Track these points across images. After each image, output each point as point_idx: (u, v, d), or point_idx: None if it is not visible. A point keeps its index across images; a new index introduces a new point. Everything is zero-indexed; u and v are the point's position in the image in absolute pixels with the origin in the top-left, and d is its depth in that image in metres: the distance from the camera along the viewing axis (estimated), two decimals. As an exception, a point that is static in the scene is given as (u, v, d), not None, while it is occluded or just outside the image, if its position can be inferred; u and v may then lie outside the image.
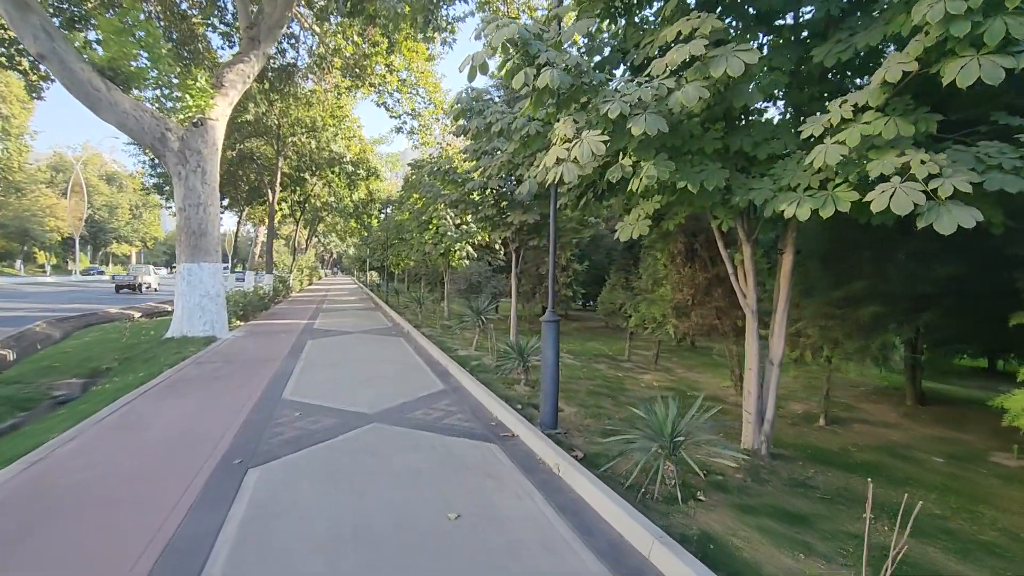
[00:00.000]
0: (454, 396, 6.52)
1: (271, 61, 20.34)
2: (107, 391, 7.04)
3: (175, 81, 10.74)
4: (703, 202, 4.34)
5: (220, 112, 11.97)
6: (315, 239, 50.54)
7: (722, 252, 5.00)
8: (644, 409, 4.14)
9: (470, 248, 17.20)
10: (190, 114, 11.28)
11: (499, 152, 10.08)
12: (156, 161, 22.94)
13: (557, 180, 3.86)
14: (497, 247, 18.51)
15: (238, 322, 13.93)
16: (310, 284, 40.10)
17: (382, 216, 31.93)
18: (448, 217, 16.66)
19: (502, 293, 14.50)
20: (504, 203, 10.73)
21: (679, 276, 8.20)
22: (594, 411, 6.28)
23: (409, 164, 18.57)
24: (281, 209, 30.78)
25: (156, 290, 31.36)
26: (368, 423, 5.18)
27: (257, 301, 16.63)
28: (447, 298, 18.46)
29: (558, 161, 3.84)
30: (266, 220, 36.17)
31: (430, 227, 17.06)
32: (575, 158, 3.69)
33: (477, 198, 11.09)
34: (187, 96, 11.12)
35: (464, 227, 17.05)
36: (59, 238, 61.82)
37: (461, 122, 9.01)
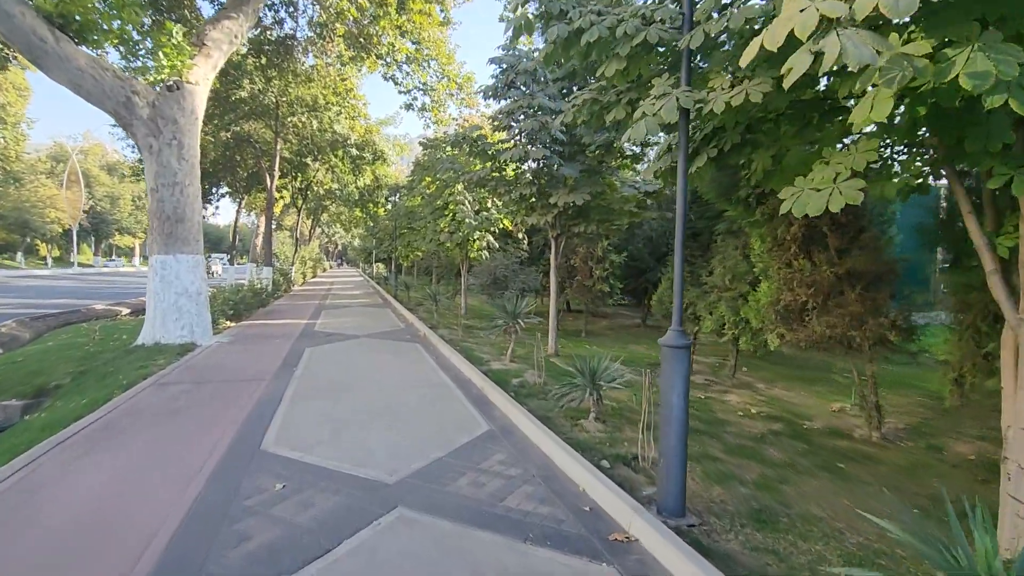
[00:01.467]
0: (507, 444, 4.60)
1: (267, 33, 18.38)
2: (31, 427, 5.19)
3: (137, 36, 8.78)
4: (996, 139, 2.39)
5: (201, 75, 10.02)
6: (319, 229, 48.68)
7: (974, 232, 3.00)
8: (914, 532, 2.18)
9: (491, 238, 15.27)
10: (163, 76, 9.35)
11: (540, 114, 8.12)
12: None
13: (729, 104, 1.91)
14: (520, 236, 16.54)
15: (227, 323, 12.08)
16: (314, 277, 38.31)
17: (389, 204, 29.98)
18: (467, 202, 14.71)
19: (530, 289, 12.53)
20: (544, 180, 8.75)
21: (789, 272, 6.22)
22: (710, 466, 4.36)
23: (422, 142, 16.58)
24: (282, 197, 28.89)
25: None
26: (390, 509, 3.27)
27: (252, 298, 14.79)
28: (465, 294, 16.54)
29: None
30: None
31: (446, 213, 15.12)
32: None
33: (512, 174, 9.12)
34: (160, 54, 9.17)
35: (484, 213, 15.10)
36: (60, 230, 60.48)
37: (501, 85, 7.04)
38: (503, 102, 8.55)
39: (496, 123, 8.57)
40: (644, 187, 8.08)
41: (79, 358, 8.47)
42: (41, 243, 62.71)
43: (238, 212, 31.63)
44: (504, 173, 9.31)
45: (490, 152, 8.91)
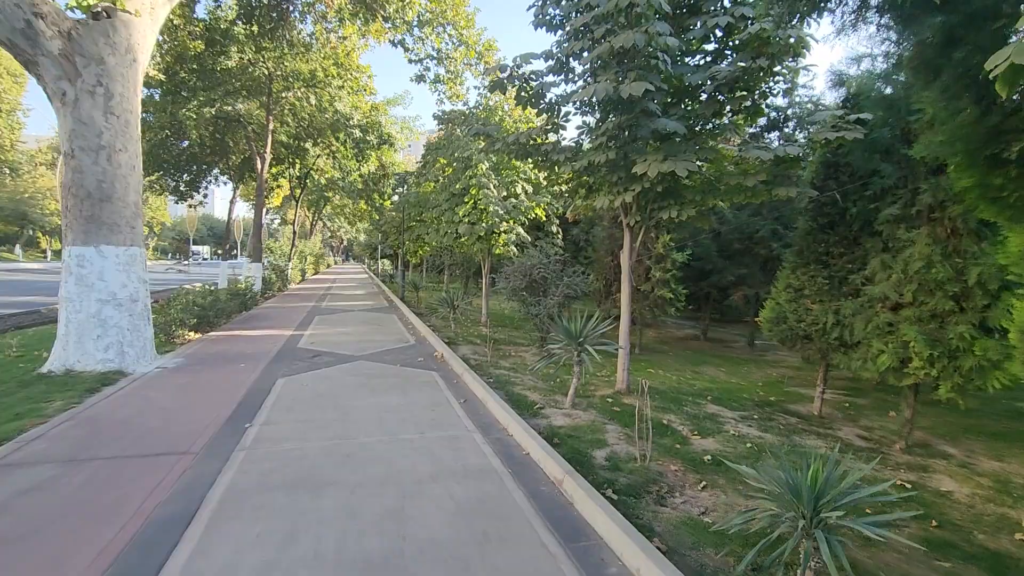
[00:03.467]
0: None
1: (258, -2, 15.77)
2: None
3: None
4: None
5: (144, 4, 7.34)
6: (320, 223, 46.09)
7: None
8: None
9: (521, 230, 12.54)
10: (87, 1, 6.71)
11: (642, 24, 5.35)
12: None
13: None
14: (555, 230, 13.79)
15: (189, 335, 9.44)
16: (315, 274, 35.73)
17: (396, 195, 27.27)
18: (492, 186, 11.98)
19: (576, 295, 9.81)
20: (626, 140, 6.00)
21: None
22: None
23: (437, 116, 13.84)
24: (279, 186, 26.28)
25: None
26: None
27: (229, 301, 12.16)
28: (486, 297, 13.82)
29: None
30: (266, 199, 31.79)
31: (465, 200, 12.40)
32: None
33: (589, 144, 6.43)
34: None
35: (513, 200, 12.36)
36: (60, 222, 58.37)
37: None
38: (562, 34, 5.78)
39: (563, 52, 5.79)
40: (784, 149, 5.33)
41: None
42: (42, 235, 60.96)
43: (232, 202, 29.04)
44: (561, 134, 6.58)
45: (545, 101, 6.16)
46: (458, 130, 13.19)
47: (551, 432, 4.86)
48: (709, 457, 4.49)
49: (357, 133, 19.98)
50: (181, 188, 22.27)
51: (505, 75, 5.81)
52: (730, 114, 6.16)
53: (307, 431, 4.62)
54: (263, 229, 36.66)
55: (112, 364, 6.54)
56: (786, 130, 10.46)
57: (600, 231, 13.04)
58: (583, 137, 6.77)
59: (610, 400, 6.37)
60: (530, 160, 7.58)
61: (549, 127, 6.49)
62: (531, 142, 6.78)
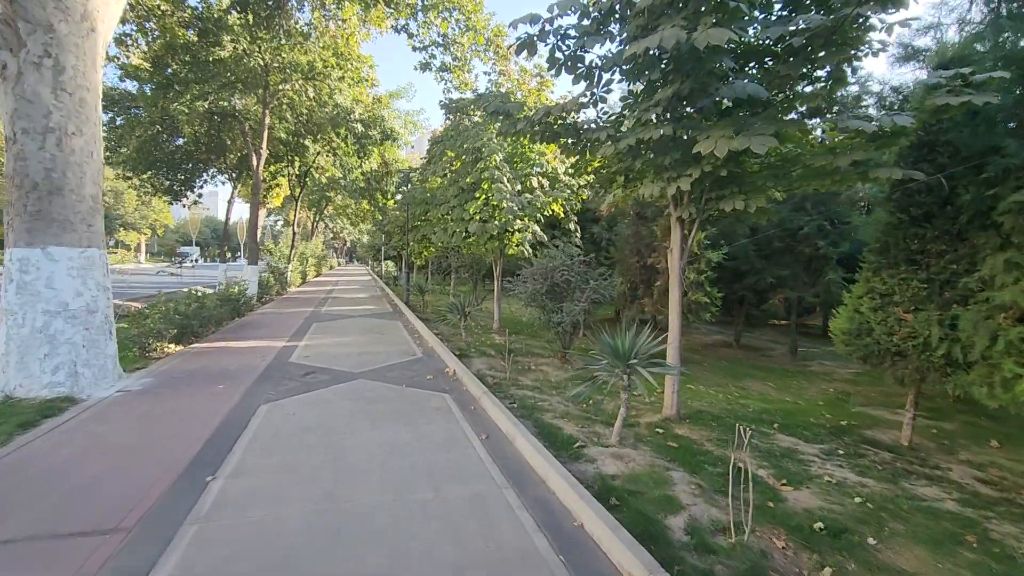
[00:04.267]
0: None
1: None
2: None
3: None
4: None
5: (107, -35, 6.27)
6: (322, 224, 45.09)
7: None
8: None
9: (537, 227, 11.44)
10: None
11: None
12: (105, 106, 17.53)
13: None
14: (572, 228, 12.67)
15: (168, 348, 8.38)
16: (317, 276, 34.71)
17: (399, 194, 26.21)
18: (505, 179, 10.88)
19: (604, 300, 8.70)
20: (683, 113, 4.89)
21: None
22: None
23: (444, 104, 12.75)
24: (278, 185, 25.26)
25: None
26: None
27: (219, 308, 11.10)
28: (498, 301, 12.72)
29: None
30: (266, 199, 30.79)
31: (476, 195, 11.31)
32: None
33: (634, 119, 5.34)
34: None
35: (528, 196, 11.25)
36: None
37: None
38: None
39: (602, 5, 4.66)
40: (892, 119, 4.19)
41: None
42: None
43: (231, 202, 28.03)
44: (601, 108, 5.47)
45: (585, 64, 5.04)
46: (467, 119, 12.09)
47: (604, 486, 3.74)
48: (821, 525, 3.36)
49: (359, 128, 18.92)
50: (175, 188, 21.25)
51: (536, 30, 4.68)
52: (808, 80, 5.03)
53: (286, 487, 3.52)
54: (263, 230, 35.64)
55: (62, 388, 5.47)
56: (828, 117, 9.30)
57: (624, 228, 11.91)
58: (625, 112, 5.65)
59: (660, 431, 5.25)
60: (556, 144, 6.45)
61: (587, 98, 5.37)
62: (561, 119, 5.66)
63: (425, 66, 15.34)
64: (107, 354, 6.05)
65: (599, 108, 5.57)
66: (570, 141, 5.99)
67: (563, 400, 6.34)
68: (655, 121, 4.77)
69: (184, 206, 24.02)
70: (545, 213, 11.59)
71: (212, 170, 23.49)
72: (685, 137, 4.85)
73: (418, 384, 6.51)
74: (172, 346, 8.63)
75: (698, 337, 13.76)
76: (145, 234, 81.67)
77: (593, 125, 5.76)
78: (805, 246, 10.24)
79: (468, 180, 10.98)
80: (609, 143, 5.12)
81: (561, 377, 7.85)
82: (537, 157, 11.67)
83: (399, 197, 26.77)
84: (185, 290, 10.63)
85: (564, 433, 4.86)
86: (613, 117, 5.81)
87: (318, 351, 8.55)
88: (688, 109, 4.95)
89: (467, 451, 4.30)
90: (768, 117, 4.75)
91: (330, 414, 5.20)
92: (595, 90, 5.23)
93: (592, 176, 7.15)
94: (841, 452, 5.13)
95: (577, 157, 6.25)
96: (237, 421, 4.89)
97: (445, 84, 15.62)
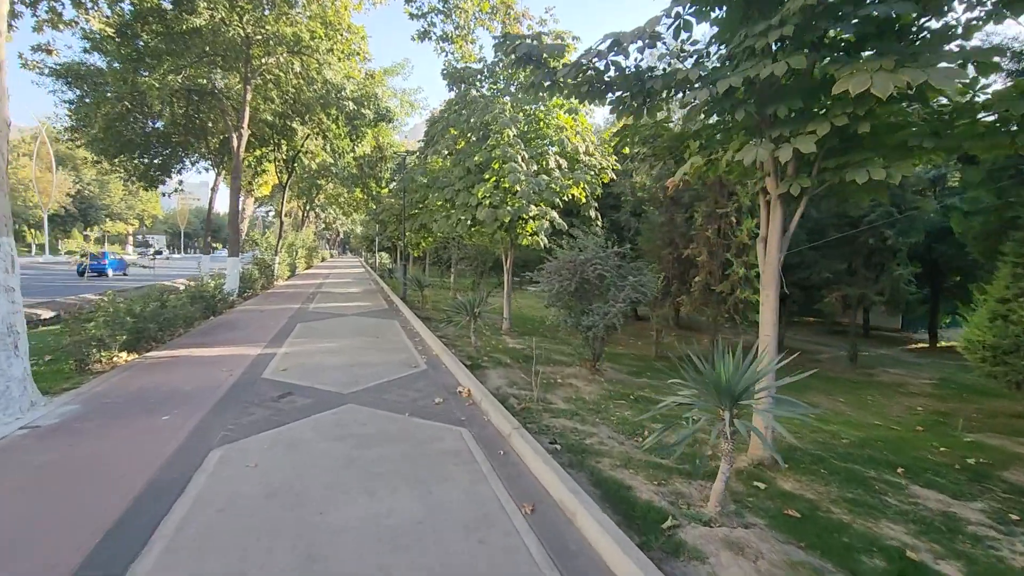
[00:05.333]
0: None
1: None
2: None
3: None
4: None
5: None
6: (313, 213, 43.30)
7: None
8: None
9: (555, 214, 9.98)
10: None
11: None
12: (70, 82, 15.85)
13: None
14: (593, 215, 11.18)
15: (120, 357, 6.88)
16: (307, 268, 33.09)
17: (394, 181, 24.57)
18: (520, 159, 9.39)
19: (643, 300, 7.24)
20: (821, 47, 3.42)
21: None
22: None
23: (448, 72, 11.20)
24: (264, 171, 23.55)
25: None
26: None
27: (187, 307, 9.58)
28: (508, 299, 11.26)
29: None
30: (252, 187, 29.05)
31: (486, 177, 9.82)
32: None
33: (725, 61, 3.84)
34: None
35: (544, 177, 9.77)
36: (42, 215, 56.37)
37: None
38: None
39: None
40: None
41: None
42: (27, 229, 58.36)
43: (214, 189, 26.21)
44: (686, 41, 3.98)
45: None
46: (474, 90, 10.57)
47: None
48: None
49: (350, 107, 17.26)
50: (151, 173, 19.54)
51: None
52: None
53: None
54: (251, 220, 33.92)
55: (-64, 428, 3.97)
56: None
57: (654, 215, 10.44)
58: (711, 51, 4.17)
59: (760, 485, 3.83)
60: (602, 102, 4.94)
61: (667, 22, 3.86)
62: (615, 64, 4.17)
63: (424, 35, 13.68)
64: (11, 376, 4.55)
65: (680, 41, 4.06)
66: (628, 94, 4.50)
67: (613, 431, 4.93)
68: (784, 50, 3.30)
69: (164, 194, 22.37)
70: (564, 198, 10.11)
71: (194, 155, 21.79)
72: (818, 75, 3.37)
73: (425, 412, 5.05)
74: (123, 355, 7.12)
75: (729, 338, 12.34)
76: (133, 225, 79.50)
77: (662, 69, 4.27)
78: (869, 235, 8.82)
79: (476, 159, 9.46)
80: (700, 87, 3.63)
81: (596, 394, 6.43)
82: (555, 133, 10.16)
83: (393, 185, 25.20)
84: (157, 284, 9.12)
85: (639, 498, 3.43)
86: (689, 59, 4.32)
87: (300, 361, 7.06)
88: (830, 33, 3.48)
89: (508, 539, 2.86)
90: (941, 46, 3.29)
91: (307, 466, 3.73)
92: (681, 7, 3.72)
93: (643, 148, 5.67)
94: (1016, 517, 3.73)
95: (635, 117, 4.74)
96: (171, 482, 3.43)
97: (446, 56, 14.02)
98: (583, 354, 7.53)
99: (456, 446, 4.17)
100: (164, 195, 22.30)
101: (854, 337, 9.39)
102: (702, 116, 4.22)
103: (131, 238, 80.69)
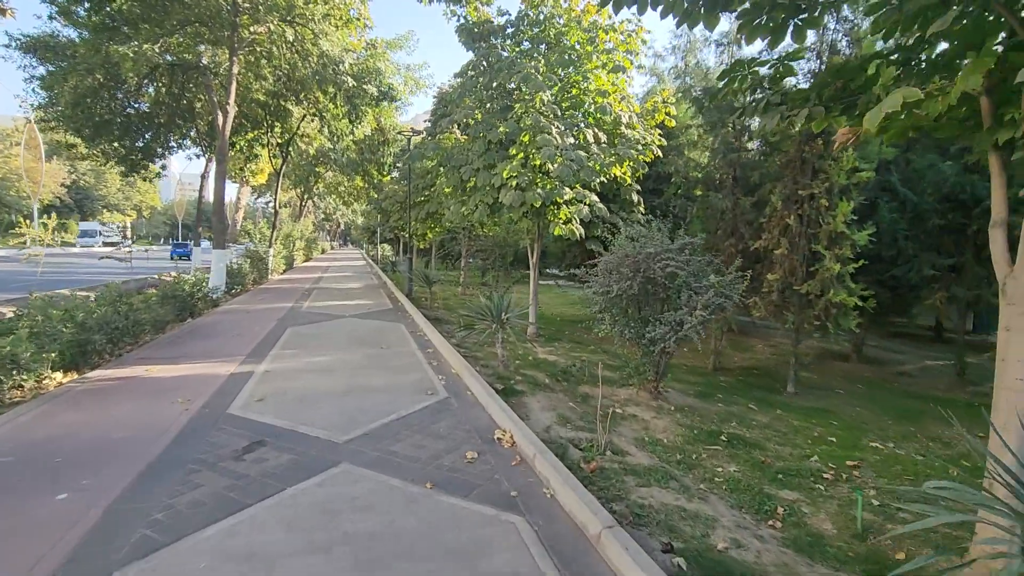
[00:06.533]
0: None
1: None
2: None
3: None
4: None
5: None
6: (311, 203, 41.55)
7: None
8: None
9: (595, 198, 8.34)
10: None
11: None
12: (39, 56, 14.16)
13: None
14: (635, 199, 9.49)
15: (53, 380, 5.28)
16: (305, 261, 31.47)
17: (396, 169, 22.85)
18: (555, 130, 7.72)
19: (725, 307, 5.58)
20: None
21: None
22: None
23: (463, 28, 9.48)
24: (256, 155, 21.85)
25: None
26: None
27: (155, 310, 7.99)
28: (535, 298, 9.64)
29: None
30: (245, 173, 27.34)
31: (512, 153, 8.16)
32: None
33: None
34: None
35: (582, 153, 8.09)
36: (38, 205, 55.16)
37: None
38: None
39: None
40: None
41: None
42: (23, 220, 56.89)
43: (204, 176, 24.52)
44: None
45: None
46: (499, 42, 8.87)
47: None
48: None
49: (349, 83, 15.49)
50: (132, 157, 17.85)
51: None
52: None
53: None
54: (244, 210, 32.23)
55: None
56: None
57: (716, 199, 8.73)
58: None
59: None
60: (720, 16, 3.26)
61: None
62: None
63: (432, -6, 11.95)
64: None
65: None
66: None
67: (732, 507, 3.33)
68: None
69: (146, 179, 20.66)
70: (604, 178, 8.45)
71: (184, 140, 20.11)
72: None
73: (455, 479, 3.43)
74: (58, 376, 5.52)
75: (783, 342, 10.69)
76: (130, 216, 78.03)
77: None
78: (983, 223, 7.14)
79: (501, 130, 7.78)
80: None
81: (673, 431, 4.84)
82: (596, 99, 8.48)
83: (397, 171, 23.48)
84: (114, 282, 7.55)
85: None
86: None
87: (282, 385, 5.45)
88: None
89: None
90: None
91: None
92: None
93: (757, 96, 3.98)
94: None
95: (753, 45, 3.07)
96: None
97: (457, 20, 12.28)
98: (642, 374, 5.91)
99: (515, 564, 2.55)
100: (151, 178, 20.56)
101: (963, 349, 7.75)
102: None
103: (129, 229, 79.31)
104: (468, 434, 4.24)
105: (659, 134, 9.12)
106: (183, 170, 42.31)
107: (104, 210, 72.80)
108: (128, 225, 72.69)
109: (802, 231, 6.99)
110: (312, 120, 19.78)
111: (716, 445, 4.66)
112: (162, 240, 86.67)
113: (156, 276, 15.14)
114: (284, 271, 22.50)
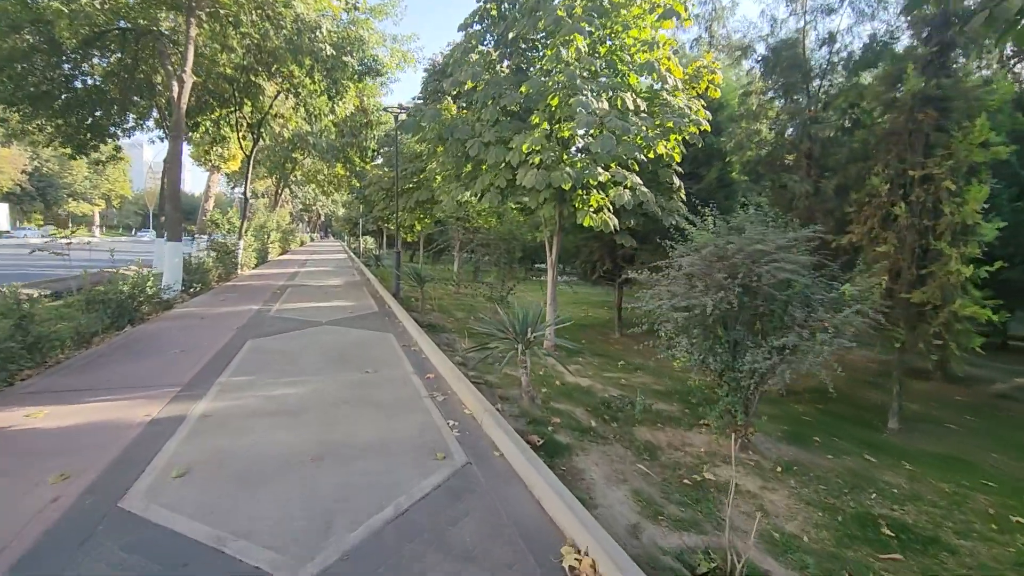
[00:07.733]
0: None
1: None
2: None
3: None
4: None
5: None
6: (288, 191, 39.15)
7: None
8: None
9: (637, 179, 6.70)
10: None
11: None
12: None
13: None
14: (676, 182, 7.84)
15: None
16: (281, 254, 29.32)
17: (380, 156, 20.91)
18: (589, 91, 6.04)
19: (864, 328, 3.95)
20: None
21: None
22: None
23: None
24: (224, 137, 19.71)
25: None
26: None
27: (87, 316, 6.16)
28: (553, 302, 7.98)
29: None
30: (212, 157, 25.11)
31: (534, 121, 6.46)
32: None
33: None
34: None
35: (623, 123, 6.40)
36: None
37: None
38: None
39: None
40: None
41: None
42: (-3, 206, 53.71)
43: (167, 162, 22.31)
44: None
45: None
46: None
47: None
48: None
49: (327, 51, 13.55)
50: (80, 137, 15.68)
51: None
52: None
53: None
54: (215, 198, 29.87)
55: None
56: None
57: (787, 179, 7.11)
58: None
59: None
60: None
61: None
62: None
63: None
64: None
65: None
66: None
67: None
68: None
69: (99, 161, 18.43)
70: (647, 156, 6.79)
71: (147, 121, 17.94)
72: None
73: None
74: None
75: (840, 352, 9.19)
76: (98, 205, 74.24)
77: None
78: None
79: (522, 90, 6.06)
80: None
81: (795, 509, 3.25)
82: (642, 54, 6.80)
83: (379, 160, 21.55)
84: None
85: None
86: None
87: (220, 446, 3.70)
88: None
89: None
90: None
91: None
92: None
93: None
94: None
95: None
96: None
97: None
98: (727, 416, 4.31)
99: None
100: (103, 161, 18.32)
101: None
102: None
103: (98, 218, 75.66)
104: (514, 547, 2.58)
105: (702, 105, 7.50)
106: (155, 157, 39.76)
107: (70, 199, 69.14)
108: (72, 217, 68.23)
109: (912, 222, 5.46)
110: (287, 98, 17.75)
111: (877, 540, 3.08)
112: (133, 231, 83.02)
113: (102, 271, 13.14)
114: (256, 265, 20.45)
